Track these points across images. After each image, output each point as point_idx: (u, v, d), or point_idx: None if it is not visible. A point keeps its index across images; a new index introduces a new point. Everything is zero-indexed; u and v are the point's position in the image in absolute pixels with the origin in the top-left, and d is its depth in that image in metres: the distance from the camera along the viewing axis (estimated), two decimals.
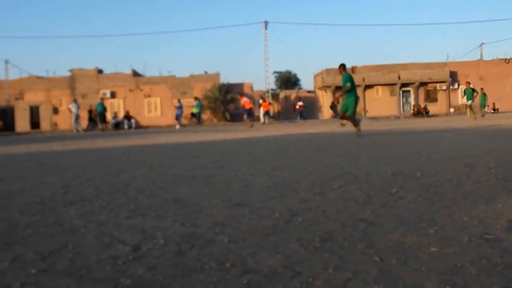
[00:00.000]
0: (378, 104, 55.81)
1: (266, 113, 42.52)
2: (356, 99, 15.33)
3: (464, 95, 30.84)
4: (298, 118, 51.30)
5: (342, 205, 4.16)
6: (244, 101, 34.41)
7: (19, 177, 7.09)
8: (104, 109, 42.39)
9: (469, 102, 30.00)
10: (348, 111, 15.30)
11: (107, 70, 53.45)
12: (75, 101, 40.95)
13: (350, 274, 2.43)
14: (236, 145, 13.46)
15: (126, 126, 44.58)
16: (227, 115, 51.97)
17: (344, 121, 19.86)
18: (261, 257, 2.77)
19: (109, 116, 46.15)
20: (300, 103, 53.27)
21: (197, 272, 2.55)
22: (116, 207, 4.46)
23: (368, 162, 7.46)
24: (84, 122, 43.15)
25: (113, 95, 51.41)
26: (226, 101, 50.86)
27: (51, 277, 2.55)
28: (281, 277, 2.43)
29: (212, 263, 2.68)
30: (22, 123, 52.09)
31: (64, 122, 51.25)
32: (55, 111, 52.94)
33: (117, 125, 44.09)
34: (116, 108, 49.98)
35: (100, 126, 41.31)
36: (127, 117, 46.31)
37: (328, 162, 7.63)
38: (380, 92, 56.72)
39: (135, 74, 53.23)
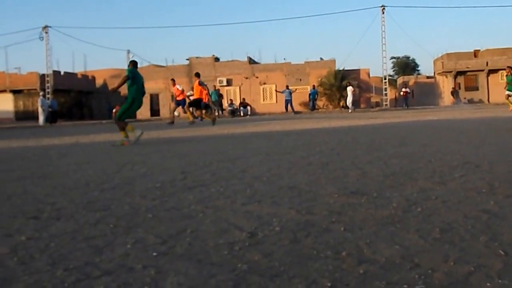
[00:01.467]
0: (502, 90, 53.12)
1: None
2: None
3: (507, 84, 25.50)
4: (404, 105, 49.72)
5: (464, 196, 3.99)
6: (176, 89, 26.98)
7: (140, 163, 7.38)
8: (220, 96, 43.20)
9: (508, 92, 25.07)
10: None
11: (223, 58, 54.42)
12: (192, 89, 42.06)
13: (472, 267, 2.32)
14: (352, 132, 13.29)
15: (241, 113, 45.27)
16: (343, 102, 51.49)
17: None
18: (378, 247, 2.70)
19: (225, 103, 47.05)
20: (405, 89, 51.60)
21: (312, 260, 2.53)
22: (232, 193, 4.52)
23: (491, 150, 7.12)
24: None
25: (229, 82, 52.29)
26: (342, 87, 50.34)
27: (171, 260, 2.62)
28: (398, 268, 2.36)
29: (328, 252, 2.65)
30: (142, 110, 54.25)
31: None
32: (173, 98, 54.71)
33: (233, 112, 44.86)
34: (232, 95, 50.84)
35: (216, 113, 42.25)
36: (243, 104, 46.99)
37: (448, 150, 7.35)
38: (504, 77, 53.93)
39: (251, 61, 53.84)
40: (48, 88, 47.53)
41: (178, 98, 27.03)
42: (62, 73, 54.77)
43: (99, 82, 63.59)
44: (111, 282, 2.31)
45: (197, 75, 23.19)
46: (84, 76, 60.76)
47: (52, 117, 39.00)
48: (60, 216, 3.81)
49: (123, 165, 7.21)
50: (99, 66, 75.56)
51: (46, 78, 48.60)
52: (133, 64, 12.08)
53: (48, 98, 43.59)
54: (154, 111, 54.03)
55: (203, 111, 22.71)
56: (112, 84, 61.24)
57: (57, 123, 38.54)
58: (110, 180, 5.66)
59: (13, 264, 2.64)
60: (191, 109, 24.03)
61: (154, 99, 54.65)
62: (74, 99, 56.69)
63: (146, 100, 54.28)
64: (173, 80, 28.25)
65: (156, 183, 5.26)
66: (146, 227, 3.34)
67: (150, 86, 55.47)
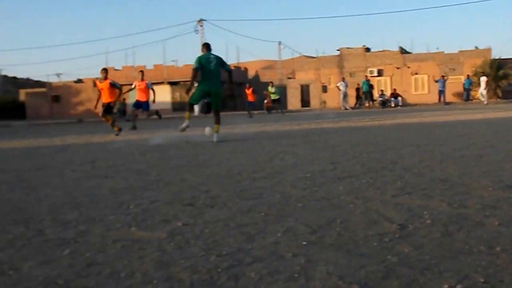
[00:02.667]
0: None
1: None
2: None
3: None
4: None
5: None
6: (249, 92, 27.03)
7: (290, 153, 7.49)
8: (370, 87, 42.63)
9: None
10: None
11: (374, 48, 53.59)
12: (343, 79, 41.87)
13: None
14: (508, 123, 12.58)
15: (392, 104, 44.35)
16: (499, 92, 48.77)
17: None
18: None
19: (376, 94, 46.35)
20: None
21: (465, 254, 2.45)
22: (382, 184, 4.47)
23: None
24: (352, 100, 43.93)
25: (380, 73, 51.38)
26: (498, 77, 47.69)
27: (320, 249, 2.65)
28: None
29: (481, 246, 2.55)
30: (293, 101, 54.78)
31: (333, 100, 52.65)
32: (324, 89, 54.64)
33: (384, 103, 44.07)
34: (383, 86, 49.92)
35: (366, 104, 41.76)
36: (394, 95, 46.02)
37: None
38: None
39: (402, 51, 52.55)
40: None
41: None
42: None
43: (251, 73, 65.21)
44: (262, 269, 2.38)
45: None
46: (237, 68, 62.50)
47: (207, 108, 40.53)
48: (214, 203, 3.98)
49: (274, 155, 7.36)
50: (251, 57, 77.55)
51: None
52: (206, 47, 11.04)
53: (221, 91, 45.33)
54: (305, 102, 54.41)
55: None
56: (263, 75, 62.62)
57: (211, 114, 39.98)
58: (262, 170, 5.81)
59: (170, 249, 2.79)
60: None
61: (305, 90, 55.02)
62: (227, 90, 58.57)
63: (296, 91, 55.05)
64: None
65: (306, 173, 5.32)
66: (296, 216, 3.40)
67: (300, 77, 56.07)
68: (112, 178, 5.68)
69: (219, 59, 10.85)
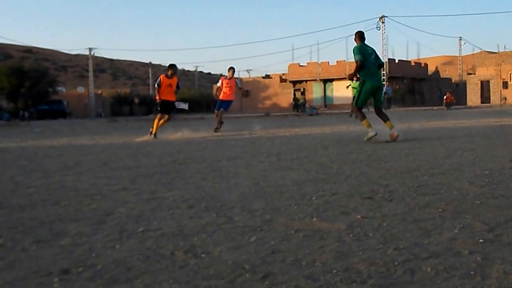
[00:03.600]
0: None
1: None
2: None
3: None
4: None
5: None
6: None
7: (469, 150, 7.32)
8: None
9: None
10: None
11: None
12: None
13: None
14: None
15: None
16: None
17: None
18: None
19: None
20: None
21: None
22: None
23: None
24: None
25: None
26: None
27: (497, 248, 2.66)
28: None
29: None
30: (473, 97, 52.43)
31: None
32: (505, 85, 51.61)
33: None
34: None
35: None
36: None
37: None
38: None
39: None
40: (384, 76, 48.89)
41: None
42: (396, 61, 55.79)
43: (431, 69, 63.40)
44: (438, 264, 2.44)
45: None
46: (417, 64, 61.08)
47: (387, 103, 40.02)
48: (392, 197, 4.07)
49: (453, 151, 7.23)
50: (431, 53, 75.18)
51: None
52: (359, 37, 10.03)
53: (384, 85, 44.75)
54: (484, 98, 51.81)
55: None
56: (443, 71, 60.57)
57: (391, 109, 39.41)
58: (440, 166, 5.77)
59: (349, 240, 2.93)
60: None
61: (485, 85, 52.36)
62: (407, 85, 57.33)
63: (476, 87, 52.52)
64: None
65: (485, 170, 5.22)
66: (474, 213, 3.40)
67: (481, 73, 53.44)
68: (296, 170, 5.95)
69: (375, 51, 10.07)
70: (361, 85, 9.82)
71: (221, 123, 15.52)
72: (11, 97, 52.32)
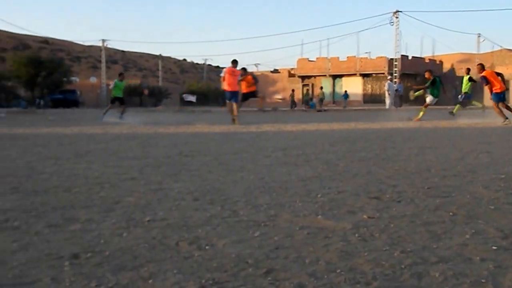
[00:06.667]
0: None
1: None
2: None
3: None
4: None
5: None
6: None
7: (485, 152, 7.18)
8: None
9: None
10: None
11: None
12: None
13: None
14: None
15: None
16: None
17: None
18: None
19: None
20: None
21: None
22: None
23: None
24: None
25: None
26: None
27: (511, 255, 2.54)
28: None
29: None
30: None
31: None
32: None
33: None
34: None
35: None
36: None
37: None
38: None
39: None
40: (395, 73, 48.56)
41: None
42: (409, 57, 55.41)
43: (446, 66, 62.76)
44: (447, 270, 2.34)
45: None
46: (432, 61, 60.50)
47: (399, 101, 39.78)
48: (400, 198, 3.96)
49: (466, 152, 7.10)
50: (447, 50, 74.67)
51: (394, 63, 49.61)
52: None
53: (395, 82, 44.52)
54: None
55: None
56: (459, 69, 60.12)
57: (402, 107, 39.18)
58: (452, 167, 5.64)
59: (354, 240, 2.84)
60: None
61: None
62: (420, 83, 57.09)
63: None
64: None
65: (500, 174, 5.08)
66: (487, 219, 3.28)
67: (501, 72, 53.16)
68: (301, 166, 5.87)
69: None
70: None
71: (233, 120, 16.04)
72: (28, 86, 53.33)
